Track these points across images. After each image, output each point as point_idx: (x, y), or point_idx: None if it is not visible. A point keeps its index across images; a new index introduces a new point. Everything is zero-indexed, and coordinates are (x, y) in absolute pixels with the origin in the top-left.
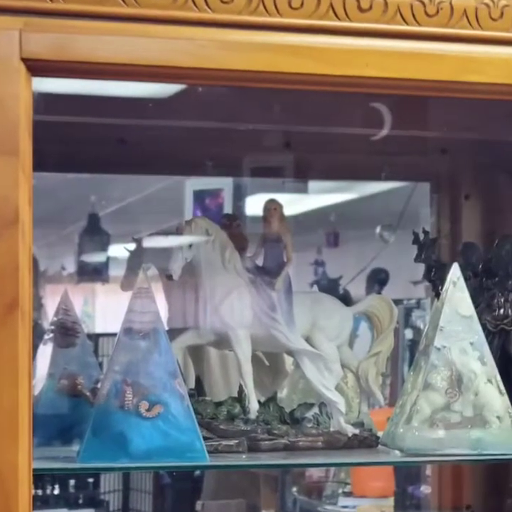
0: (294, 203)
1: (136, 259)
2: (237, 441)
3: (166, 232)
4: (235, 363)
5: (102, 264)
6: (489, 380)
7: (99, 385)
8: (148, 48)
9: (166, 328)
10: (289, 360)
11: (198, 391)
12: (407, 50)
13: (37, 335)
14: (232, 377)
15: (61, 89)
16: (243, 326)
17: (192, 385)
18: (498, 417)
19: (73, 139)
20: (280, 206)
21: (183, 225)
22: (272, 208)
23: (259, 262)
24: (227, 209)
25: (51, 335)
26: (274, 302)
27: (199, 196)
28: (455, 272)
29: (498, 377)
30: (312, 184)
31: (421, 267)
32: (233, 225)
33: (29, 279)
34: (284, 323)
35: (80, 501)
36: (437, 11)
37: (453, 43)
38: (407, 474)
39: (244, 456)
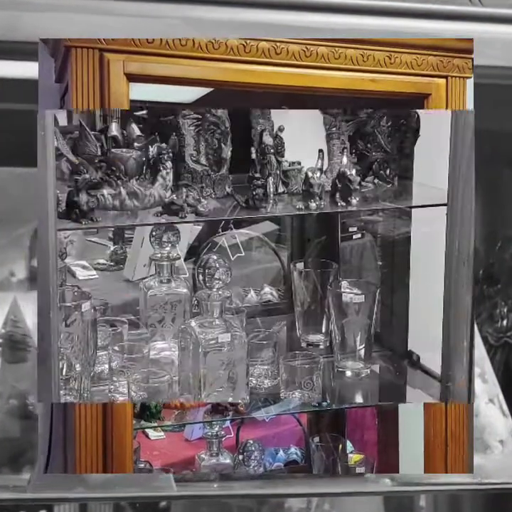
0: None
1: None
2: None
3: None
4: None
5: None
6: (491, 400)
7: None
8: (107, 24)
9: None
10: None
11: None
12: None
13: None
14: None
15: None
16: None
17: None
18: (501, 441)
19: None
20: None
21: None
22: None
23: None
24: None
25: None
26: None
27: None
28: None
29: (501, 397)
30: None
31: None
32: None
33: None
34: None
35: None
36: None
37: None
38: (398, 505)
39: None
